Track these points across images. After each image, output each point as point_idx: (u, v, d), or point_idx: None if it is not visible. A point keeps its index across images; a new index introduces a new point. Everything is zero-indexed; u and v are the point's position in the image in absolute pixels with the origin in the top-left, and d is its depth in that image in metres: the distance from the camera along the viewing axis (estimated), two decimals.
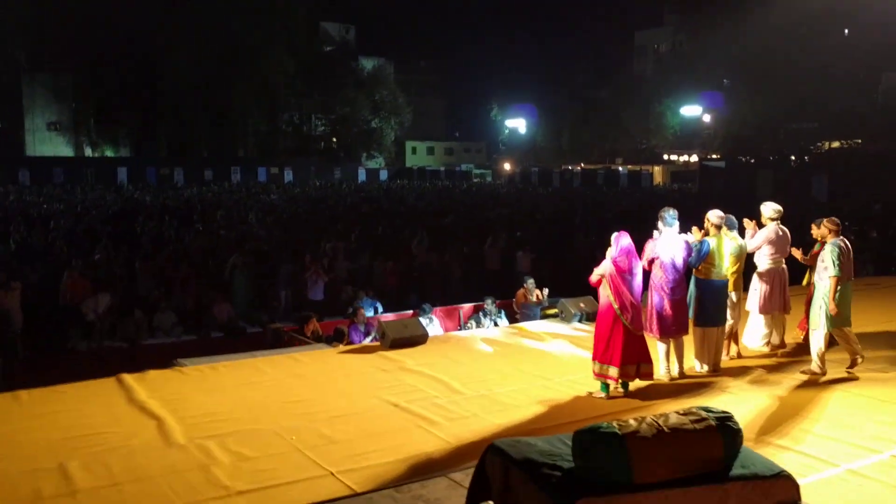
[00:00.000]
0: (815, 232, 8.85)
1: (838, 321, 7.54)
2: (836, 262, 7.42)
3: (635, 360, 6.90)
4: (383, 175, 63.59)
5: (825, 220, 8.02)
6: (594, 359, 7.03)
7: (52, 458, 5.59)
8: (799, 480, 3.91)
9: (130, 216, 25.76)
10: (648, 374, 7.04)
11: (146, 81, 56.44)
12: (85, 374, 8.08)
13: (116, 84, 56.19)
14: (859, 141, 41.70)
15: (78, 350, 13.57)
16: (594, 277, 7.04)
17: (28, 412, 6.65)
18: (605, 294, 6.93)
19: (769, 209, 8.71)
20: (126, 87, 56.15)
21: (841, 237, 7.79)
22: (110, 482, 5.17)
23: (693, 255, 7.54)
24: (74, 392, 7.27)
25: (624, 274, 6.86)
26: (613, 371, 6.84)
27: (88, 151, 61.48)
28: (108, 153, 61.79)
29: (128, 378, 7.59)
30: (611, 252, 6.98)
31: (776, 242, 8.48)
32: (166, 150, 61.36)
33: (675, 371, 7.57)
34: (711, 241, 7.68)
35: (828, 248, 7.61)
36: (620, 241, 6.95)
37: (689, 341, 7.75)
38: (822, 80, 39.00)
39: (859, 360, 7.69)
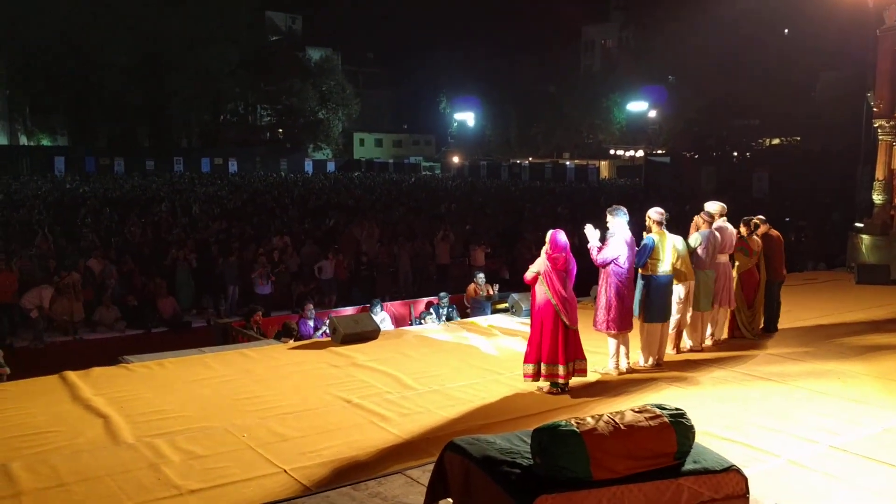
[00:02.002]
0: (743, 230, 9.15)
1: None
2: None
3: (573, 356, 6.97)
4: (331, 167, 63.05)
5: (702, 212, 8.64)
6: (534, 360, 6.96)
7: None
8: (744, 471, 4.02)
9: (70, 207, 25.08)
10: (583, 371, 7.08)
11: (82, 69, 54.77)
12: (26, 372, 7.86)
13: (51, 72, 54.42)
14: (798, 138, 42.89)
15: (17, 347, 13.18)
16: (529, 275, 7.02)
17: None
18: (542, 291, 6.92)
19: (713, 208, 8.90)
20: (61, 74, 54.42)
21: (712, 229, 8.51)
22: (56, 483, 5.05)
23: (637, 253, 7.67)
24: (15, 390, 7.08)
25: (560, 271, 6.92)
26: (543, 368, 6.88)
27: (24, 140, 59.52)
28: (45, 142, 59.93)
29: (72, 375, 7.41)
30: (545, 249, 7.01)
31: (712, 243, 8.61)
32: (106, 140, 59.78)
33: (623, 366, 7.70)
34: (654, 238, 7.82)
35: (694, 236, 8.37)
36: (557, 238, 6.98)
37: (632, 336, 7.88)
38: (763, 78, 39.96)
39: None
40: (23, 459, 5.41)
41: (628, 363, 7.76)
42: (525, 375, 7.05)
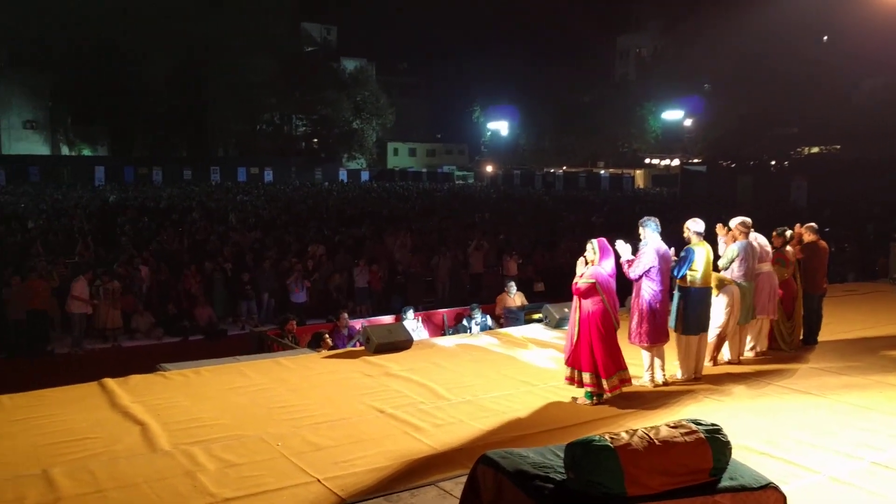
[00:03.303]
0: (776, 241, 9.00)
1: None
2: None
3: (617, 367, 6.92)
4: (365, 176, 63.46)
5: (739, 223, 8.43)
6: (573, 365, 6.95)
7: (36, 464, 5.54)
8: (782, 487, 3.95)
9: (110, 216, 25.54)
10: (629, 380, 7.07)
11: (124, 80, 55.89)
12: (66, 378, 8.00)
13: (93, 83, 55.61)
14: (838, 147, 42.19)
15: (58, 353, 13.46)
16: (583, 285, 6.89)
17: (10, 417, 6.56)
18: (597, 300, 6.86)
19: (737, 223, 8.72)
20: (103, 86, 55.58)
21: (749, 240, 8.39)
22: (95, 489, 5.12)
23: (676, 263, 7.61)
24: (56, 397, 7.19)
25: (611, 279, 6.91)
26: (599, 381, 6.84)
27: (65, 150, 60.84)
28: (85, 152, 61.18)
29: (110, 383, 7.52)
30: (593, 258, 6.97)
31: (751, 254, 8.47)
32: (145, 150, 60.87)
33: (658, 378, 7.62)
34: (694, 249, 7.73)
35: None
36: (605, 245, 6.98)
37: (668, 348, 7.79)
38: (802, 85, 39.43)
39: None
40: (63, 465, 5.50)
41: (664, 376, 7.67)
42: (575, 382, 6.97)
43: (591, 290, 6.88)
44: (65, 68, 55.91)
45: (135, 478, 5.29)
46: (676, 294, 7.81)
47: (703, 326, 7.84)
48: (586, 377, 6.90)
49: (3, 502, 4.92)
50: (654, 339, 7.42)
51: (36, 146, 58.93)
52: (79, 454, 5.74)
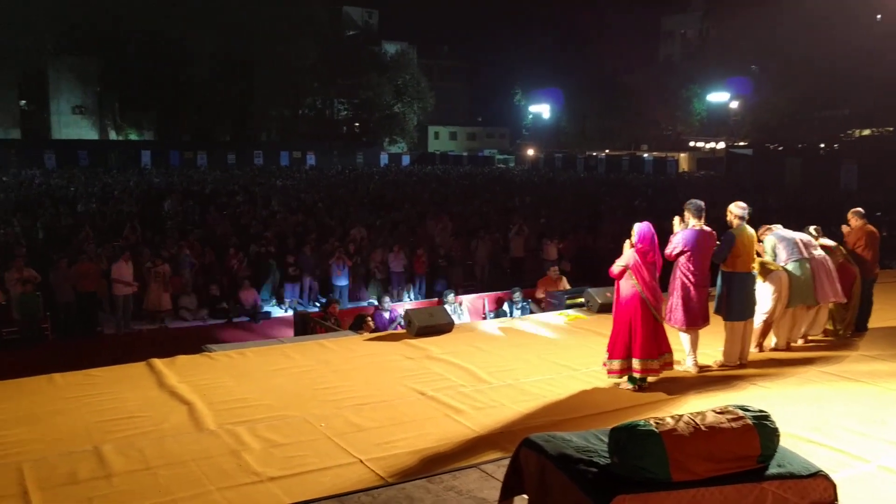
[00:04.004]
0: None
1: None
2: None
3: (665, 349, 6.87)
4: (405, 160, 63.51)
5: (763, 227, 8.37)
6: (616, 356, 6.88)
7: (87, 440, 5.68)
8: (831, 477, 3.87)
9: (157, 200, 26.00)
10: (670, 364, 7.01)
11: (170, 66, 56.68)
12: (114, 358, 8.18)
13: (140, 69, 56.49)
14: (891, 129, 40.97)
15: (106, 333, 13.78)
16: (616, 269, 6.92)
17: (63, 395, 6.75)
18: (630, 284, 6.84)
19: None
20: (150, 71, 56.40)
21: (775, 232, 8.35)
22: (144, 466, 5.24)
23: (717, 248, 7.49)
24: (106, 376, 7.36)
25: (649, 264, 6.84)
26: (637, 364, 6.78)
27: (113, 135, 61.97)
28: (132, 136, 62.25)
29: (158, 363, 7.68)
30: (632, 242, 6.93)
31: (788, 241, 8.32)
32: (189, 134, 61.71)
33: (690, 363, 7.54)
34: (734, 234, 7.59)
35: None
36: (644, 230, 6.92)
37: (703, 333, 7.67)
38: (854, 66, 38.31)
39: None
40: (113, 443, 5.64)
41: (695, 360, 7.57)
42: (610, 372, 6.94)
43: (626, 275, 6.86)
44: (111, 55, 56.84)
45: (182, 456, 5.40)
46: (719, 279, 7.70)
47: (747, 312, 7.70)
48: (620, 364, 6.86)
49: (57, 476, 5.06)
50: (689, 322, 7.32)
51: (85, 131, 60.09)
52: (128, 432, 5.87)
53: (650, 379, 6.92)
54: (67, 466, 5.21)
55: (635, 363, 6.80)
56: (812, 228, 8.92)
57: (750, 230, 7.72)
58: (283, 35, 58.26)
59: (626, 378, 6.90)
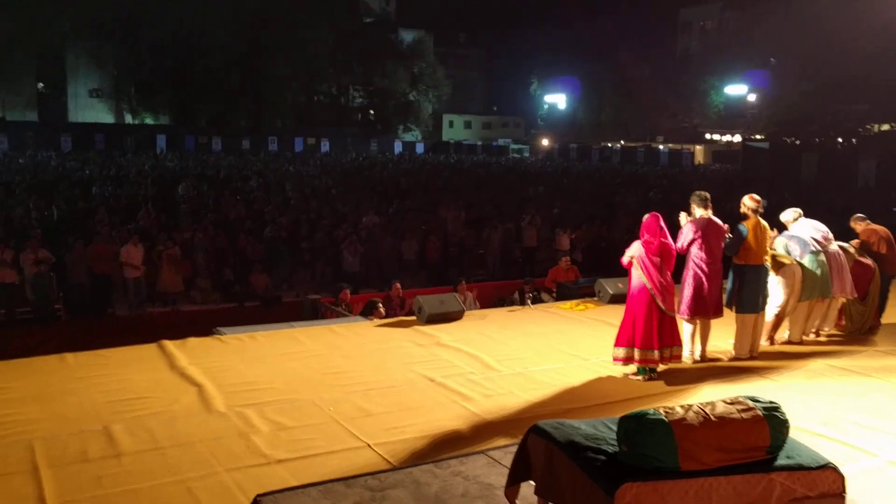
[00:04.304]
0: (856, 227, 8.77)
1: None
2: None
3: (668, 343, 6.84)
4: (419, 148, 63.40)
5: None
6: (626, 344, 6.85)
7: (98, 420, 5.73)
8: (840, 469, 3.84)
9: (171, 184, 26.10)
10: (677, 357, 7.00)
11: (186, 51, 56.76)
12: (126, 340, 8.23)
13: (157, 53, 56.62)
14: None
15: (119, 315, 13.86)
16: (625, 259, 7.00)
17: (74, 374, 6.81)
18: (637, 276, 6.86)
19: (790, 215, 8.56)
20: (166, 56, 56.53)
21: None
22: (153, 446, 5.28)
23: (729, 241, 7.45)
24: (117, 356, 7.42)
25: (654, 256, 6.82)
26: (637, 354, 6.76)
27: (128, 119, 62.20)
28: (148, 121, 62.46)
29: (169, 345, 7.72)
30: (642, 237, 6.96)
31: (799, 237, 8.28)
32: (205, 119, 61.83)
33: (697, 354, 7.50)
34: (746, 227, 7.54)
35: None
36: (651, 222, 6.94)
37: (715, 325, 7.64)
38: (874, 60, 37.82)
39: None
40: (123, 423, 5.67)
41: (703, 351, 7.54)
42: (615, 359, 6.96)
43: (633, 266, 6.89)
44: (127, 39, 56.98)
45: (191, 437, 5.43)
46: (731, 272, 7.66)
47: (758, 305, 7.64)
48: (625, 352, 6.85)
49: (68, 455, 5.11)
50: (695, 311, 7.29)
51: (101, 114, 60.34)
52: (138, 412, 5.91)
53: (660, 368, 6.91)
54: (78, 445, 5.25)
55: (636, 353, 6.80)
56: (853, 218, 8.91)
57: (763, 223, 7.66)
58: (300, 21, 58.19)
59: (635, 368, 6.88)
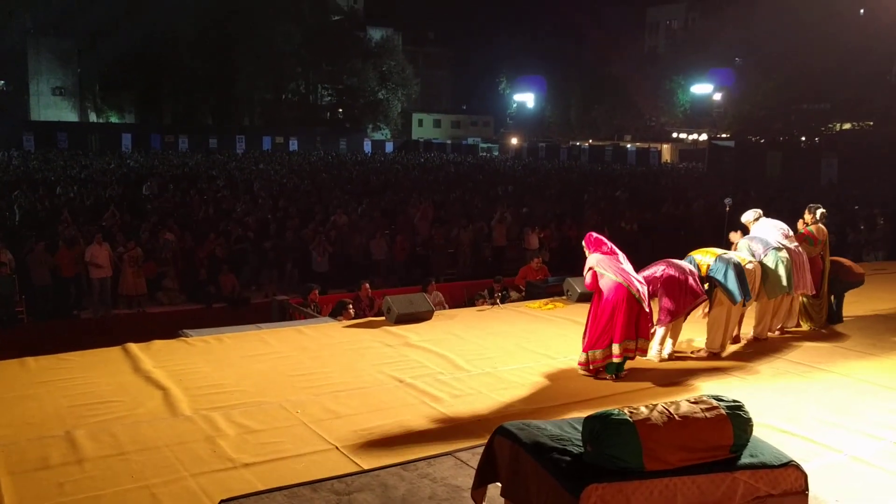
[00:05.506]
0: (808, 217, 8.86)
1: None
2: None
3: (644, 334, 6.88)
4: (389, 147, 63.28)
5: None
6: (593, 347, 6.87)
7: (59, 425, 5.63)
8: (803, 465, 3.90)
9: (136, 184, 25.75)
10: (644, 351, 7.05)
11: (151, 48, 56.02)
12: (90, 343, 8.10)
13: (121, 50, 55.82)
14: (871, 123, 41.27)
15: (84, 318, 13.64)
16: (588, 278, 7.02)
17: (35, 379, 6.67)
18: (607, 279, 6.85)
19: (750, 216, 8.75)
20: (130, 53, 55.75)
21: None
22: (117, 451, 5.19)
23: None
24: (81, 360, 7.29)
25: (611, 255, 6.96)
26: (616, 349, 6.79)
27: (93, 117, 61.26)
28: (113, 119, 61.58)
29: (133, 347, 7.61)
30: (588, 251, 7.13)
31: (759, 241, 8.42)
32: (171, 118, 61.11)
33: (665, 353, 7.59)
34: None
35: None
36: (590, 238, 7.21)
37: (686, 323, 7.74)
38: (837, 60, 38.49)
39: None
40: (86, 427, 5.58)
41: (672, 349, 7.65)
42: (589, 363, 6.93)
43: (598, 277, 6.94)
44: (90, 35, 56.08)
45: (156, 441, 5.36)
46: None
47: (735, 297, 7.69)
48: (602, 353, 6.88)
49: (28, 462, 5.01)
50: (674, 315, 7.36)
51: (64, 113, 59.37)
52: (102, 417, 5.82)
53: (633, 367, 6.96)
54: (38, 451, 5.15)
55: (615, 348, 6.80)
56: (819, 211, 8.99)
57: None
58: (266, 18, 57.74)
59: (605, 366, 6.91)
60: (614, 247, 7.10)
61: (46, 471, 4.89)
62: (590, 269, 6.99)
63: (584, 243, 7.23)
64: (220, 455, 5.15)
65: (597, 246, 7.09)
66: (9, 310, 12.95)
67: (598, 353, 6.88)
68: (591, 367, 6.94)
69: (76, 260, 14.04)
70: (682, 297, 7.34)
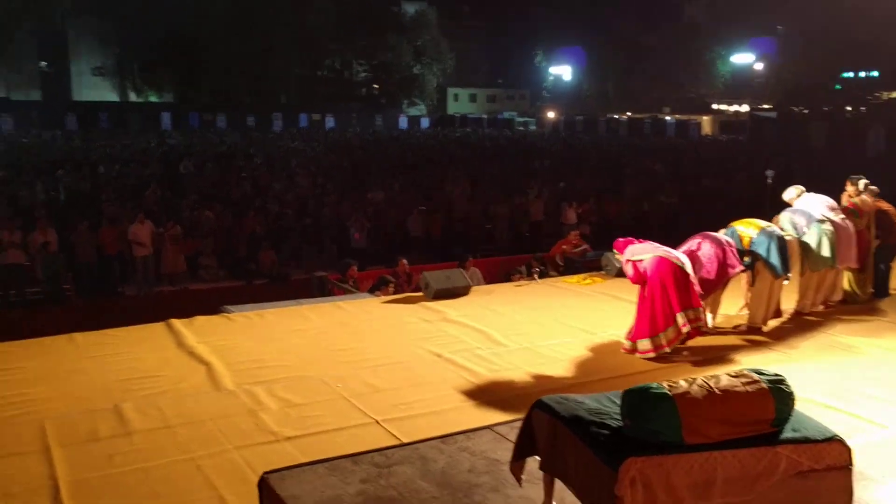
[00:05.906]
0: (851, 189, 8.65)
1: None
2: None
3: (692, 304, 6.73)
4: (424, 122, 63.09)
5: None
6: (662, 329, 6.66)
7: (108, 399, 5.78)
8: (846, 441, 3.85)
9: (176, 162, 26.09)
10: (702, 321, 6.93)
11: (189, 27, 56.42)
12: (134, 319, 8.27)
13: (160, 30, 56.31)
14: None
15: (127, 294, 13.92)
16: (629, 271, 6.86)
17: (83, 354, 6.85)
18: (648, 259, 6.71)
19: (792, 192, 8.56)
20: (170, 32, 56.21)
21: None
22: (163, 424, 5.32)
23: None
24: (126, 336, 7.45)
25: (645, 243, 6.93)
26: (680, 318, 6.63)
27: (133, 96, 62.02)
28: (152, 98, 62.28)
29: (177, 323, 7.75)
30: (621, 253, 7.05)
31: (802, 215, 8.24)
32: (209, 96, 61.60)
33: (709, 323, 7.48)
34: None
35: None
36: (620, 242, 7.12)
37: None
38: (884, 26, 37.34)
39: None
40: (133, 401, 5.72)
41: (713, 321, 7.54)
42: (643, 351, 6.79)
43: (639, 264, 6.79)
44: (129, 16, 56.63)
45: (200, 415, 5.47)
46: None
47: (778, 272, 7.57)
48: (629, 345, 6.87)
49: (78, 434, 5.16)
50: (708, 289, 7.24)
51: (105, 93, 60.27)
52: (147, 391, 5.96)
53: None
54: (88, 424, 5.30)
55: (679, 318, 6.62)
56: (863, 182, 8.77)
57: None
58: None
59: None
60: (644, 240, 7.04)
61: (96, 443, 5.03)
62: (626, 262, 6.88)
63: (614, 251, 7.16)
64: (262, 428, 5.24)
65: (626, 244, 7.01)
66: (56, 287, 13.27)
67: (670, 331, 6.68)
68: (665, 347, 6.73)
69: (119, 238, 14.31)
70: (720, 269, 7.23)
